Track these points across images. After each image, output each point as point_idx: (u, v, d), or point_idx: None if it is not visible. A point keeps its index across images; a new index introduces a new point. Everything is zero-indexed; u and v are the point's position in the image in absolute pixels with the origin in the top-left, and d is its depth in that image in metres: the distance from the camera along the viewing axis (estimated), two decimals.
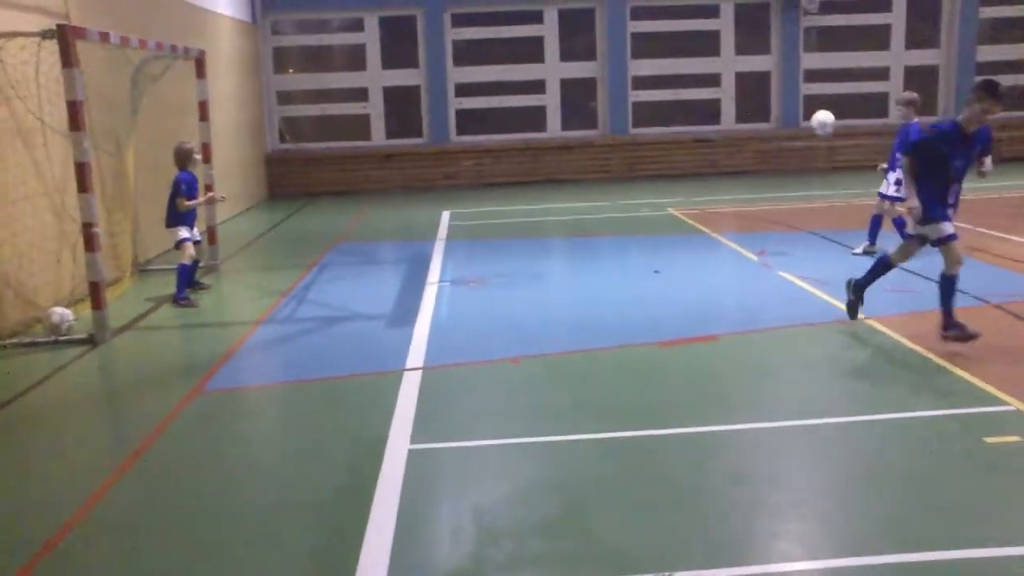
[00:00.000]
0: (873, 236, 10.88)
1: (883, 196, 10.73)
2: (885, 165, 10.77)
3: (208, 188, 11.32)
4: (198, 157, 10.33)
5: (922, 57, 21.39)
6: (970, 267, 9.96)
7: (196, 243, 10.06)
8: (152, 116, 11.90)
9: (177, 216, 9.86)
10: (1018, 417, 5.59)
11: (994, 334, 7.52)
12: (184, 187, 9.83)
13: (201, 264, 10.76)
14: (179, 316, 9.43)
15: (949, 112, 21.19)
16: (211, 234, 11.85)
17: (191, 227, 9.98)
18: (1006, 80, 9.62)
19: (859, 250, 10.90)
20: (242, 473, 5.40)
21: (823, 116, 11.07)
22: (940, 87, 21.47)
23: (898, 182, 10.04)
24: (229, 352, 7.89)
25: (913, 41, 21.31)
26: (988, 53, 21.21)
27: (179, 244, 9.87)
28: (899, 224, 9.96)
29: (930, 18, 21.28)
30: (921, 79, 21.09)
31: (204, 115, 11.65)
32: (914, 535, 4.26)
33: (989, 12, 21.16)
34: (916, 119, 10.11)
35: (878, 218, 10.89)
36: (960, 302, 8.46)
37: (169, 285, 10.05)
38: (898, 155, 9.64)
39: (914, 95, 10.32)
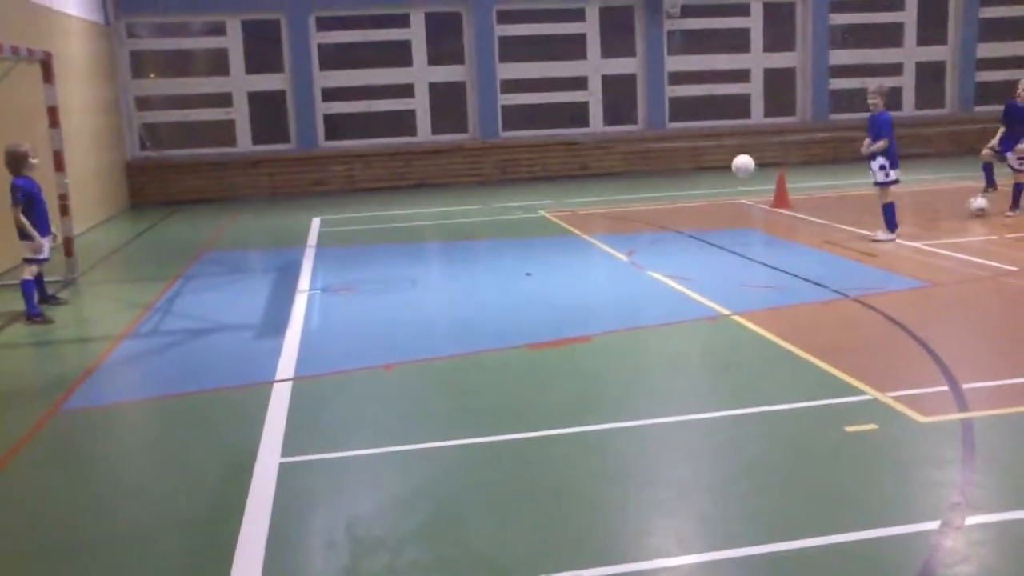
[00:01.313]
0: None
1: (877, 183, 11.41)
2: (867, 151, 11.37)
3: (61, 198, 10.80)
4: (35, 161, 9.45)
5: (781, 60, 22.20)
6: (828, 262, 10.40)
7: (41, 261, 9.43)
8: None
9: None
10: (875, 405, 5.82)
11: (852, 326, 7.83)
12: (20, 195, 9.13)
13: (58, 279, 10.26)
14: (32, 333, 8.96)
15: (798, 105, 22.10)
16: (67, 246, 11.32)
17: (46, 235, 9.42)
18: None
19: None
20: (103, 497, 5.15)
21: (741, 162, 12.65)
22: (797, 86, 22.33)
23: (882, 167, 11.15)
24: (89, 369, 7.55)
25: (768, 45, 22.09)
26: (840, 57, 22.19)
27: (25, 260, 9.34)
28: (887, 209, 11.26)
29: (788, 24, 22.11)
30: (783, 80, 22.01)
31: (55, 121, 11.12)
32: (783, 524, 4.38)
33: (839, 19, 22.13)
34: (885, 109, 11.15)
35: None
36: (819, 295, 8.83)
37: (22, 301, 9.52)
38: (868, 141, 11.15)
39: (887, 87, 11.64)
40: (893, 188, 11.38)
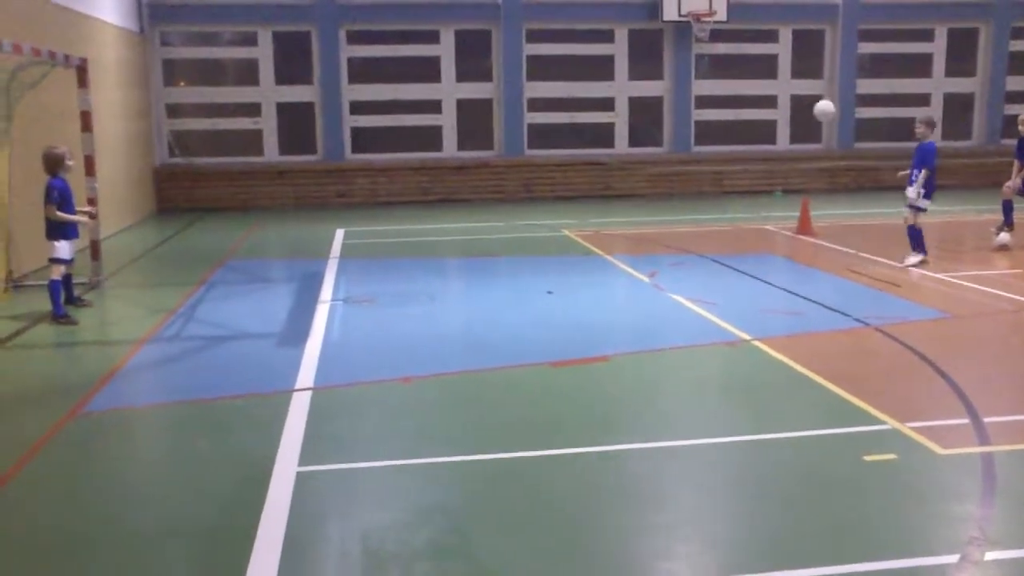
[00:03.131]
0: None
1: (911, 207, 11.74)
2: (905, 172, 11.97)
3: (91, 202, 10.92)
4: (71, 163, 9.76)
5: (809, 87, 22.16)
6: (850, 290, 10.36)
7: (68, 262, 9.62)
8: (31, 125, 11.46)
9: (55, 228, 9.47)
10: (894, 435, 5.79)
11: (872, 355, 7.79)
12: (56, 194, 9.38)
13: (84, 282, 10.36)
14: (57, 334, 9.05)
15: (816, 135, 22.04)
16: (94, 249, 11.43)
17: (71, 240, 9.58)
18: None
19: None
20: (120, 499, 5.19)
21: (824, 106, 13.70)
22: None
23: (919, 193, 11.54)
24: (111, 372, 7.61)
25: (796, 71, 22.07)
26: (867, 86, 22.14)
27: (51, 260, 9.49)
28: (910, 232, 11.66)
29: (816, 52, 22.08)
30: (809, 107, 21.98)
31: (87, 125, 11.25)
32: (798, 552, 4.36)
33: (868, 48, 22.09)
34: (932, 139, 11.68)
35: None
36: (841, 323, 8.79)
37: (47, 301, 9.61)
38: (916, 170, 11.58)
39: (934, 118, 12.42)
40: (922, 217, 11.59)
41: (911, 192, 11.59)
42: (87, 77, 11.36)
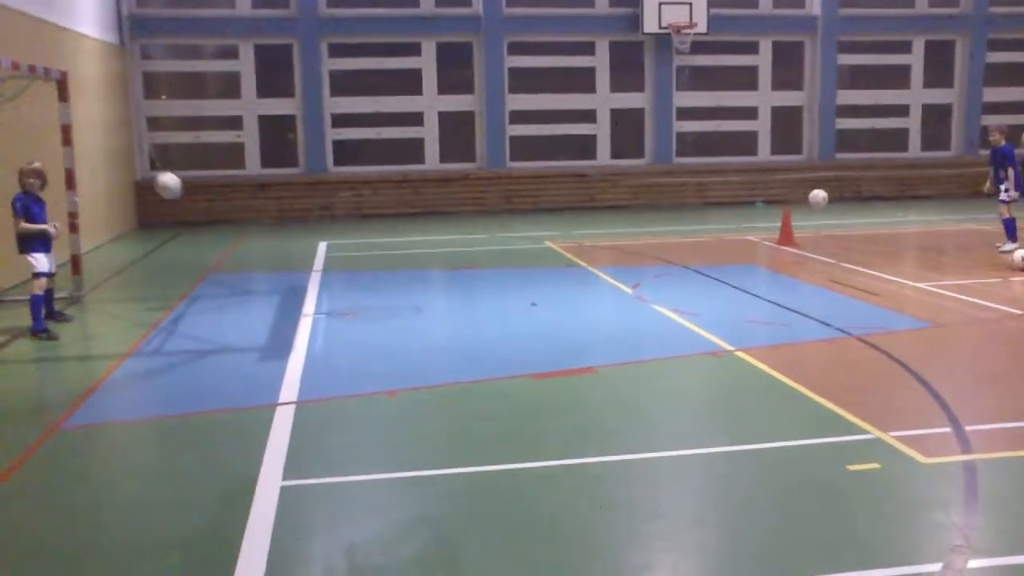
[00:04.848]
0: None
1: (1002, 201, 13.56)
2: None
3: (71, 216, 10.86)
4: (35, 181, 9.54)
5: (789, 98, 22.32)
6: (832, 300, 10.42)
7: (50, 275, 9.57)
8: (9, 138, 11.39)
9: (26, 241, 9.40)
10: (877, 444, 5.82)
11: (855, 365, 7.83)
12: (18, 206, 9.34)
13: (65, 296, 10.28)
14: (37, 349, 8.99)
15: (805, 147, 22.19)
16: (75, 263, 11.36)
17: (47, 252, 9.51)
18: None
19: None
20: (102, 514, 5.15)
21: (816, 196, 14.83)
22: (804, 125, 22.43)
23: (1006, 189, 13.40)
24: (92, 387, 7.55)
25: (777, 83, 22.22)
26: (847, 97, 22.31)
27: (34, 275, 9.42)
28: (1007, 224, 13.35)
29: (796, 63, 22.25)
30: (790, 118, 22.19)
31: (67, 139, 11.20)
32: (783, 561, 4.37)
33: (847, 60, 22.26)
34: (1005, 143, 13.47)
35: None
36: (823, 333, 8.84)
37: (27, 316, 9.55)
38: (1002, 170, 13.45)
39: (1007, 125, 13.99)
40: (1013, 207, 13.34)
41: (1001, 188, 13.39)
42: (67, 90, 11.31)
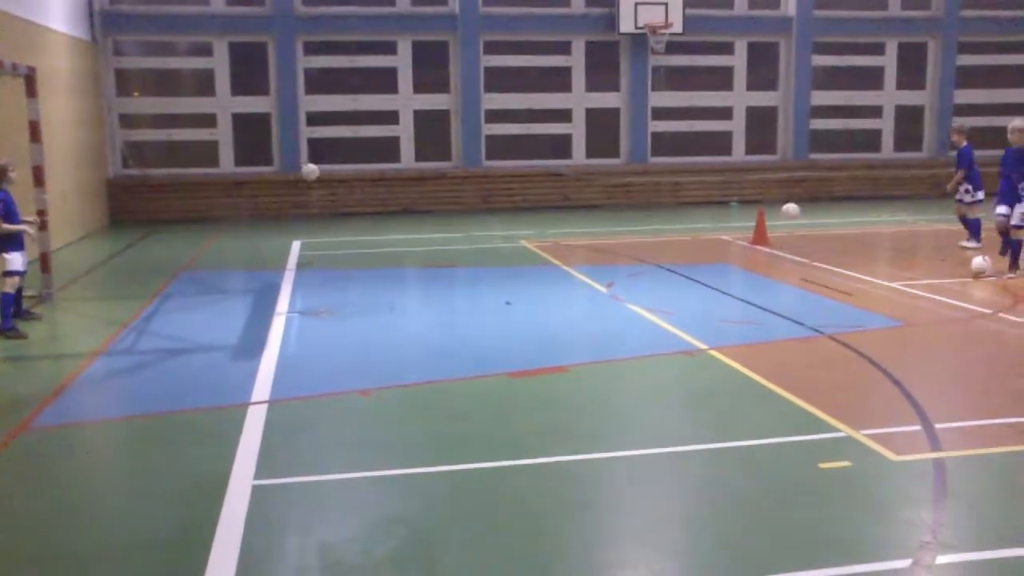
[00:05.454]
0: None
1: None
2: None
3: (40, 213, 10.75)
4: (14, 175, 9.59)
5: (764, 99, 22.44)
6: (805, 299, 10.48)
7: (20, 274, 9.48)
8: None
9: (2, 240, 9.30)
10: (849, 443, 5.85)
11: (827, 364, 7.88)
12: (1, 207, 9.24)
13: (34, 295, 10.17)
14: (5, 348, 8.87)
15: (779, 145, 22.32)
16: (44, 261, 11.23)
17: (20, 251, 9.43)
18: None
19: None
20: (71, 517, 5.09)
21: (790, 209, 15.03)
22: (779, 125, 22.56)
23: (967, 190, 13.66)
24: (61, 386, 7.48)
25: (751, 83, 22.34)
26: (821, 97, 22.46)
27: (5, 273, 9.33)
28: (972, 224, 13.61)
29: (771, 64, 22.37)
30: (764, 118, 22.31)
31: (36, 136, 11.05)
32: (755, 559, 4.38)
33: (822, 61, 22.41)
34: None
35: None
36: (796, 332, 8.89)
37: None
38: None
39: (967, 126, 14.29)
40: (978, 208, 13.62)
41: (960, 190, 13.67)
42: (35, 86, 11.18)
